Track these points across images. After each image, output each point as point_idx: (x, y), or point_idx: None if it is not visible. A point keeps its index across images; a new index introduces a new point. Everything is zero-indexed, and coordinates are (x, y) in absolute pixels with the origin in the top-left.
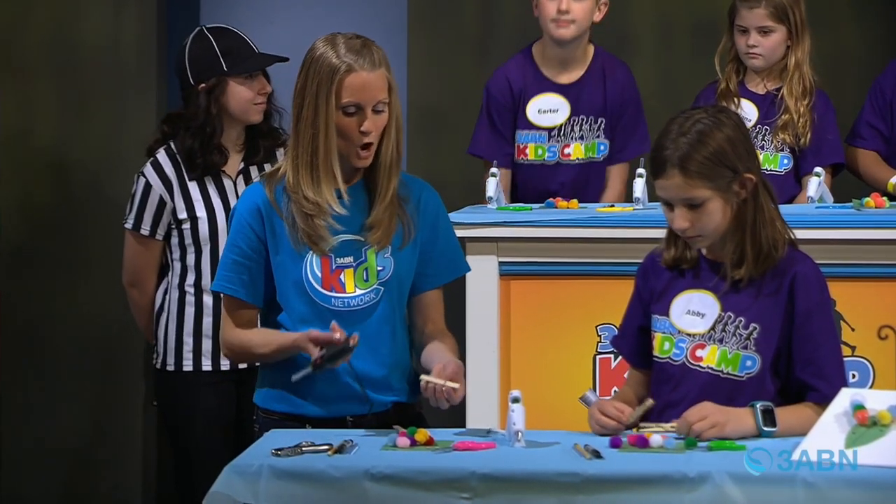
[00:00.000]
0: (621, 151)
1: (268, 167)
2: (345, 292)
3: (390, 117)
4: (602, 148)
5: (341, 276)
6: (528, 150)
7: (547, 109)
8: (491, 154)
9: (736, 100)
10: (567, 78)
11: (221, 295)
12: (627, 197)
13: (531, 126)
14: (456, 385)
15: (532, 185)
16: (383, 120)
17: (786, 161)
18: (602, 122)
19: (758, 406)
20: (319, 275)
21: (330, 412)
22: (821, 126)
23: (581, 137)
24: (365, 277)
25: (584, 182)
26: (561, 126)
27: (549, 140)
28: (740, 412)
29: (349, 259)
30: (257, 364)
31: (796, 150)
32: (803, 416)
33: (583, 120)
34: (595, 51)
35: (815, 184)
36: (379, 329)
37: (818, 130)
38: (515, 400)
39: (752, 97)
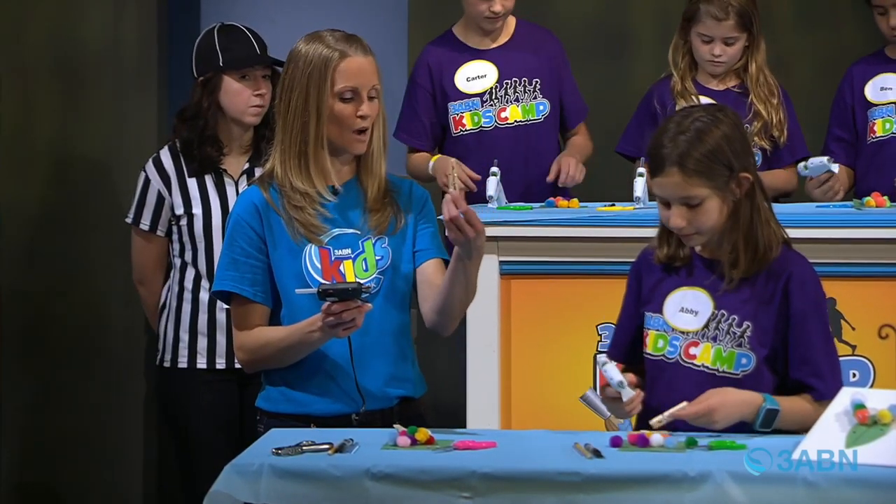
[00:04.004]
0: (579, 113)
1: None
2: (345, 282)
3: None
4: (542, 108)
5: (341, 267)
6: (464, 120)
7: (475, 76)
8: (413, 140)
9: (694, 98)
10: (490, 45)
11: (229, 297)
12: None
13: (462, 95)
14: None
15: (477, 155)
16: (377, 106)
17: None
18: (538, 83)
19: (765, 407)
20: (319, 266)
21: (334, 410)
22: (790, 120)
23: (517, 100)
24: (364, 267)
25: (528, 146)
26: (491, 89)
27: (482, 105)
28: (747, 406)
29: (347, 251)
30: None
31: (767, 150)
32: (800, 408)
33: (515, 83)
34: (517, 21)
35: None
36: (382, 318)
37: (789, 125)
38: (604, 363)
39: (711, 94)
